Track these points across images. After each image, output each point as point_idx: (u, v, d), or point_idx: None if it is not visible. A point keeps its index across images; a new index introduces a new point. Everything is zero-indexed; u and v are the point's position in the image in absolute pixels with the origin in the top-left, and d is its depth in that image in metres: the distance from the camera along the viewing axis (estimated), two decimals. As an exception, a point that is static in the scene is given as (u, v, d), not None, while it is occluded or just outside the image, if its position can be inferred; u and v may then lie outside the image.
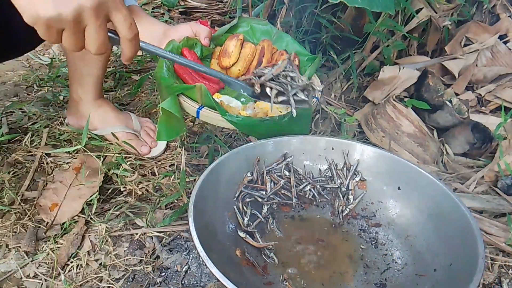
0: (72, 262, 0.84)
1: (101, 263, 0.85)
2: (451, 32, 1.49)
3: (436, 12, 1.48)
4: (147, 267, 0.84)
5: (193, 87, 0.91)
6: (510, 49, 1.42)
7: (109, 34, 0.62)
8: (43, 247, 0.87)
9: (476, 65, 1.41)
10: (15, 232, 0.90)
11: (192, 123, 1.27)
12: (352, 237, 0.82)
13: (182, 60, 0.76)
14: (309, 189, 0.88)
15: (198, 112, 0.91)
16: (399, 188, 0.85)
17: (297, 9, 1.52)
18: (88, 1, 0.54)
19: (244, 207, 0.82)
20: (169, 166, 1.11)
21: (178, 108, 0.91)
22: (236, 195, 0.83)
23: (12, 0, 0.54)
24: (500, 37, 1.43)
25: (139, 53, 1.25)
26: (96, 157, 1.05)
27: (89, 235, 0.90)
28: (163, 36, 1.00)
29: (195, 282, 0.82)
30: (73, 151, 1.10)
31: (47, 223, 0.91)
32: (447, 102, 1.22)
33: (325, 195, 0.88)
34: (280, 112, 0.94)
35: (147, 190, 1.03)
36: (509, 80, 1.39)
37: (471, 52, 1.43)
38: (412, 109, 1.21)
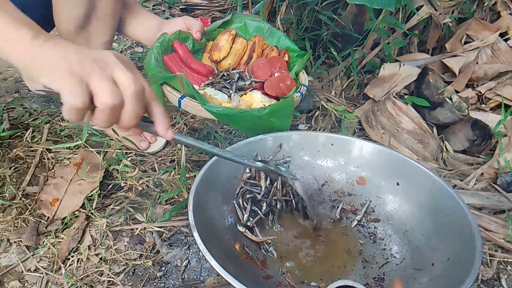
0: (73, 256, 0.85)
1: (102, 257, 0.85)
2: (452, 29, 1.49)
3: (436, 10, 1.49)
4: (147, 262, 0.85)
5: (174, 76, 0.92)
6: (510, 47, 1.42)
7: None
8: (44, 241, 0.88)
9: (477, 63, 1.41)
10: (16, 227, 0.91)
11: (192, 119, 1.28)
12: (351, 232, 0.83)
13: (221, 152, 0.72)
14: (309, 185, 0.89)
15: (179, 102, 0.93)
16: (398, 184, 0.85)
17: (298, 6, 1.52)
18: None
19: (244, 203, 0.83)
20: (170, 162, 1.12)
21: (161, 97, 0.93)
22: (237, 191, 0.83)
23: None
24: (501, 35, 1.43)
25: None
26: (97, 152, 1.05)
27: (89, 230, 0.91)
28: (158, 29, 1.01)
29: (195, 277, 0.83)
30: (74, 146, 1.11)
31: (48, 218, 0.92)
32: (447, 99, 1.22)
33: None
34: (264, 105, 0.94)
35: (147, 186, 1.03)
36: (510, 78, 1.39)
37: (471, 50, 1.43)
38: (412, 106, 1.22)
